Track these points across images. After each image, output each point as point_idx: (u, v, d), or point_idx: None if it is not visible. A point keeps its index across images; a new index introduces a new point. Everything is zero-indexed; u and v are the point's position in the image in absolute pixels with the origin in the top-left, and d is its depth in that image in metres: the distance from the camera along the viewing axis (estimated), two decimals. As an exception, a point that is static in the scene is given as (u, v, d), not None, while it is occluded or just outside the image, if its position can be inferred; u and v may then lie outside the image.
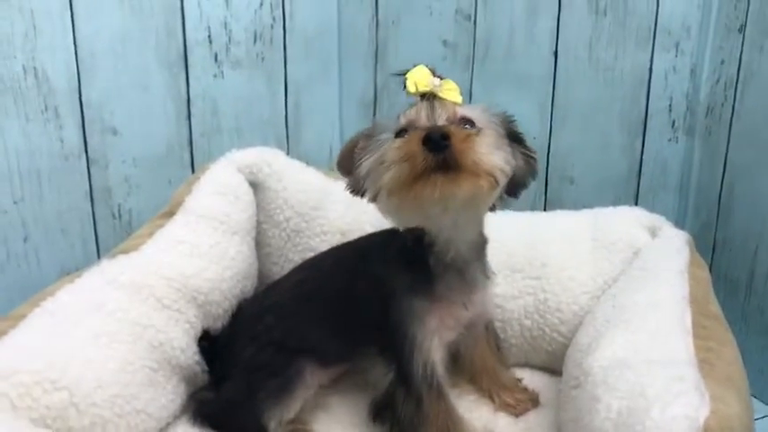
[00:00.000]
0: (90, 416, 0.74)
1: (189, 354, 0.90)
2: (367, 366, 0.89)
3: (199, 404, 0.91)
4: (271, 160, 1.09)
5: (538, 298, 1.00)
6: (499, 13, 1.32)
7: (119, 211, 1.24)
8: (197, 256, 0.95)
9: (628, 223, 1.04)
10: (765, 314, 1.20)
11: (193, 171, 1.22)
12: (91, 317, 0.82)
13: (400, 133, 0.74)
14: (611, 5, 1.26)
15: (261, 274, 1.09)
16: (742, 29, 1.19)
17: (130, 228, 1.23)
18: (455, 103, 0.76)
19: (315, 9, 1.37)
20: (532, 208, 1.33)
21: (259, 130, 1.35)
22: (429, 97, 0.75)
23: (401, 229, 0.82)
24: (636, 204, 1.29)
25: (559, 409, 0.88)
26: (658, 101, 1.29)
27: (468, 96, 1.35)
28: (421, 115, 0.75)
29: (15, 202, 1.14)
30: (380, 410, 0.86)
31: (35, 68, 1.11)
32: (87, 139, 1.18)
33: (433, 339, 0.81)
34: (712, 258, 1.28)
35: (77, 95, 1.15)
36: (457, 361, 0.94)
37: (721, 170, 1.26)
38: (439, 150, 0.68)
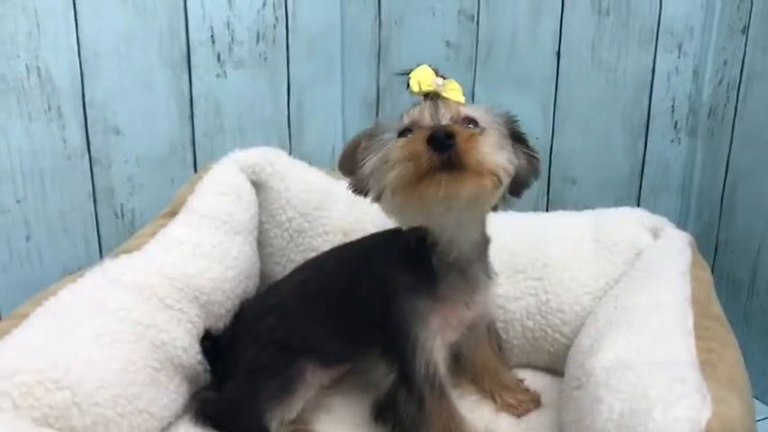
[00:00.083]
0: (92, 415, 0.74)
1: (191, 353, 0.90)
2: (369, 366, 0.89)
3: (201, 404, 0.91)
4: (273, 160, 1.09)
5: (540, 299, 1.00)
6: (502, 13, 1.32)
7: (121, 210, 1.24)
8: (199, 255, 0.96)
9: (630, 224, 1.04)
10: (767, 315, 1.20)
11: (196, 171, 1.22)
12: (93, 316, 0.82)
13: (403, 133, 0.74)
14: (613, 6, 1.25)
15: (263, 274, 1.09)
16: (745, 29, 1.19)
17: (133, 227, 1.23)
18: (458, 103, 0.76)
19: (318, 9, 1.37)
20: (535, 208, 1.33)
21: (262, 129, 1.35)
22: (432, 97, 0.75)
23: (404, 228, 0.82)
24: (638, 205, 1.29)
25: (561, 409, 0.88)
26: (661, 102, 1.29)
27: (471, 97, 1.35)
28: (424, 115, 0.75)
29: (18, 202, 1.14)
30: (382, 411, 0.86)
31: (38, 68, 1.10)
32: (90, 139, 1.18)
33: (436, 339, 0.81)
34: (714, 259, 1.28)
35: (80, 95, 1.15)
36: (459, 361, 0.94)
37: (724, 171, 1.26)
38: (444, 149, 0.68)
